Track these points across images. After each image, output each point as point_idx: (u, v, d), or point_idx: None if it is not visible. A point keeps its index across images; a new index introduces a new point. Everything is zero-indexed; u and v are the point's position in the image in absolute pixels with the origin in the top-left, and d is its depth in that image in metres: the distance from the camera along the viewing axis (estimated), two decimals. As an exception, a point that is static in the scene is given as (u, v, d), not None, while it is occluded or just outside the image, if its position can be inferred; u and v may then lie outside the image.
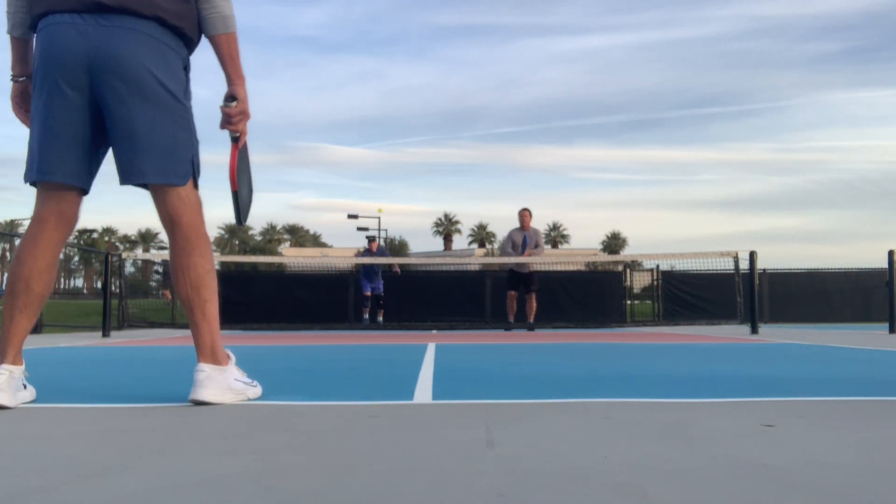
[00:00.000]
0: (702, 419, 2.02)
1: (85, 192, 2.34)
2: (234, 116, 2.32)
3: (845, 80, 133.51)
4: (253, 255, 59.26)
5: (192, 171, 2.32)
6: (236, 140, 2.37)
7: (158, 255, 18.77)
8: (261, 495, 1.21)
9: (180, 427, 1.93)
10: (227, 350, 2.44)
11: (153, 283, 21.45)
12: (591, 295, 16.23)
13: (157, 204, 2.32)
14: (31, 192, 2.34)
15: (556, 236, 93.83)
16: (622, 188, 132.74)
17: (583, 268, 22.29)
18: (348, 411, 2.24)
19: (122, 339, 8.67)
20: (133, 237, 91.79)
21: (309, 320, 13.42)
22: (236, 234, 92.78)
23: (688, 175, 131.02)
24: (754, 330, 9.62)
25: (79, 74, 2.16)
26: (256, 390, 2.47)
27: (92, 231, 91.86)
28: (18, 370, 2.27)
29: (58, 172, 2.24)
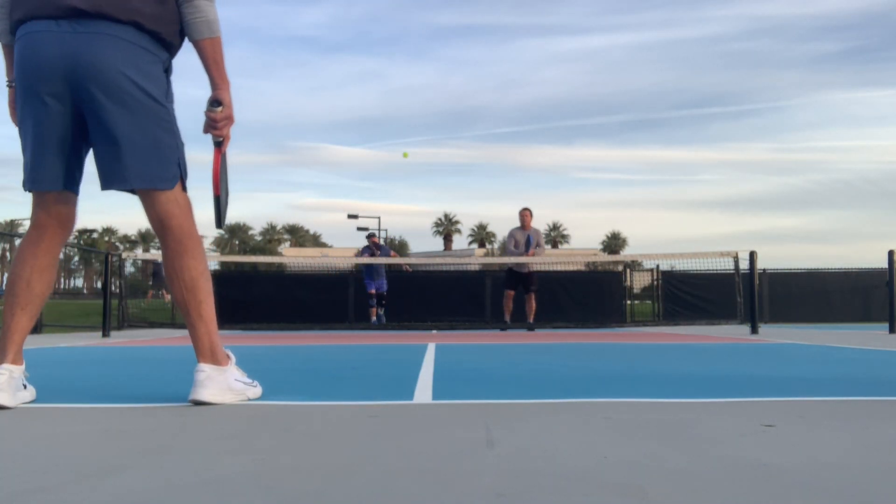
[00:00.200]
0: (702, 419, 2.02)
1: (76, 195, 2.36)
2: (219, 121, 2.31)
3: (845, 80, 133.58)
4: (253, 255, 59.28)
5: (180, 174, 2.32)
6: (219, 144, 2.35)
7: (158, 255, 18.80)
8: (261, 495, 1.21)
9: (180, 427, 1.93)
10: (228, 350, 2.44)
11: (152, 283, 21.45)
12: (591, 295, 16.23)
13: (146, 208, 2.32)
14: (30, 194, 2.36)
15: (556, 236, 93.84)
16: (622, 188, 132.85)
17: (583, 268, 22.29)
18: (348, 411, 2.24)
19: (122, 339, 8.67)
20: (133, 237, 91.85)
21: (309, 320, 13.42)
22: (236, 234, 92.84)
23: (688, 175, 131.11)
24: (754, 330, 9.62)
25: (57, 83, 2.16)
26: (256, 390, 2.47)
27: (92, 231, 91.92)
28: (18, 370, 2.27)
29: (46, 181, 2.26)
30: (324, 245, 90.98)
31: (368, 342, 7.20)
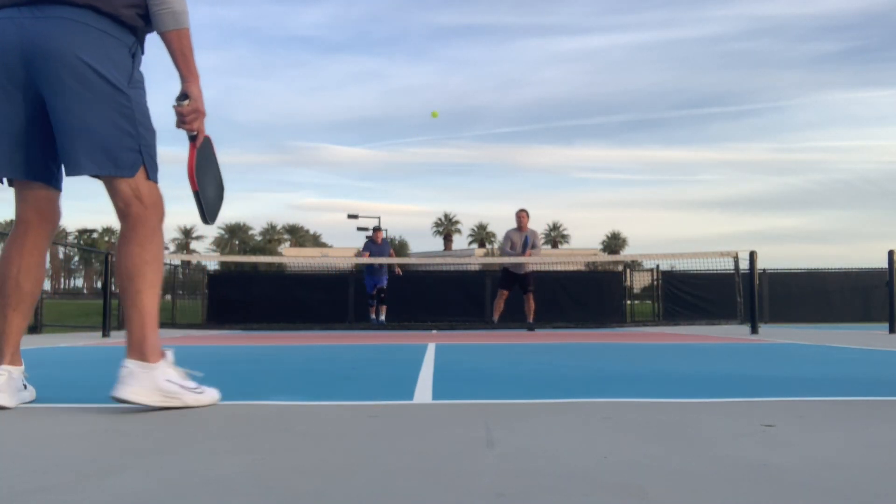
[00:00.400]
0: (702, 419, 2.02)
1: (56, 188, 2.32)
2: (186, 115, 2.27)
3: (845, 80, 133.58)
4: (253, 255, 59.28)
5: (143, 163, 2.24)
6: (194, 139, 2.32)
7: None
8: (261, 495, 1.21)
9: (180, 427, 1.93)
10: (166, 349, 2.27)
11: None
12: (591, 295, 16.24)
13: (109, 195, 2.26)
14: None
15: (556, 236, 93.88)
16: (622, 188, 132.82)
17: (583, 268, 22.30)
18: (348, 411, 2.24)
19: (122, 339, 8.66)
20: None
21: (309, 320, 13.42)
22: (236, 234, 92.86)
23: (688, 175, 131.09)
24: (754, 330, 9.62)
25: (17, 70, 2.13)
26: (202, 397, 2.27)
27: (92, 231, 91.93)
28: (18, 370, 2.27)
29: (5, 168, 2.22)
30: (324, 245, 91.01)
31: (368, 342, 7.20)
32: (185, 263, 18.57)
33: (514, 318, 11.99)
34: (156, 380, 2.17)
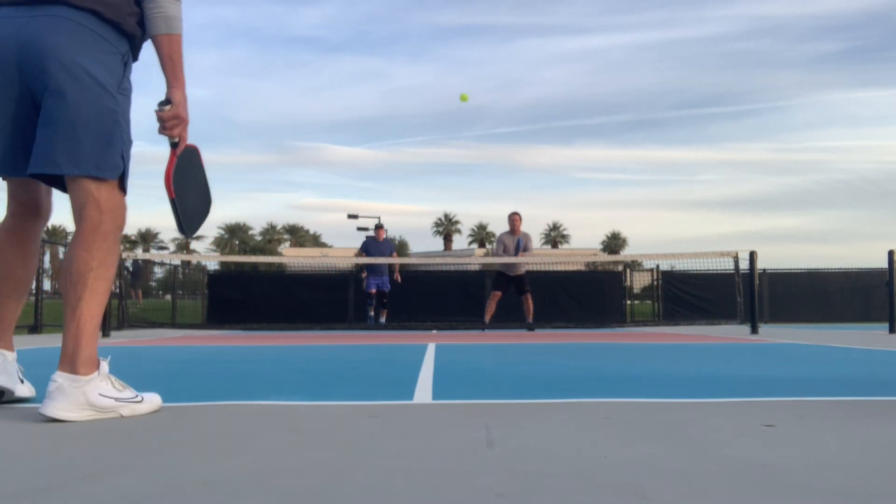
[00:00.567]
0: (702, 419, 2.03)
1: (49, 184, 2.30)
2: (167, 120, 2.24)
3: (845, 80, 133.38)
4: (253, 255, 59.29)
5: (124, 167, 2.22)
6: (175, 146, 2.29)
7: (158, 256, 18.79)
8: (261, 495, 1.21)
9: (180, 427, 1.93)
10: (102, 358, 2.15)
11: (153, 283, 21.48)
12: (591, 295, 16.24)
13: (71, 196, 2.20)
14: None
15: (556, 236, 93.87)
16: (622, 188, 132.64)
17: (583, 268, 22.30)
18: (348, 411, 2.24)
19: (122, 339, 8.67)
20: (133, 237, 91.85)
21: (309, 320, 13.41)
22: (236, 234, 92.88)
23: (688, 175, 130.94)
24: (754, 330, 9.62)
25: (10, 67, 2.13)
26: (140, 406, 2.16)
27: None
28: (11, 356, 2.29)
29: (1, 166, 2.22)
30: (324, 245, 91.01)
31: (368, 342, 7.20)
32: (185, 263, 18.57)
33: (513, 319, 11.98)
34: (87, 394, 2.05)
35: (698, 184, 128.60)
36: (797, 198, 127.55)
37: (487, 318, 11.31)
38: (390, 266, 13.04)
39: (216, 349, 6.05)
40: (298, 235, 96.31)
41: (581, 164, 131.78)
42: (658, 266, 17.37)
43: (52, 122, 2.13)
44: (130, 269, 13.89)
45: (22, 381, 2.35)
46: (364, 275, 13.30)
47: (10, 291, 2.28)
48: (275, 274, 20.78)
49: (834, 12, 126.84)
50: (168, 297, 16.80)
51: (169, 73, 2.25)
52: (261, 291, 15.81)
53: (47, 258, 11.58)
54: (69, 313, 2.09)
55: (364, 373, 3.62)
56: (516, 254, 11.09)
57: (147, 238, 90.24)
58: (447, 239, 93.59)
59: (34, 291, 11.06)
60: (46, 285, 11.71)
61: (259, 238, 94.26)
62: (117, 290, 11.70)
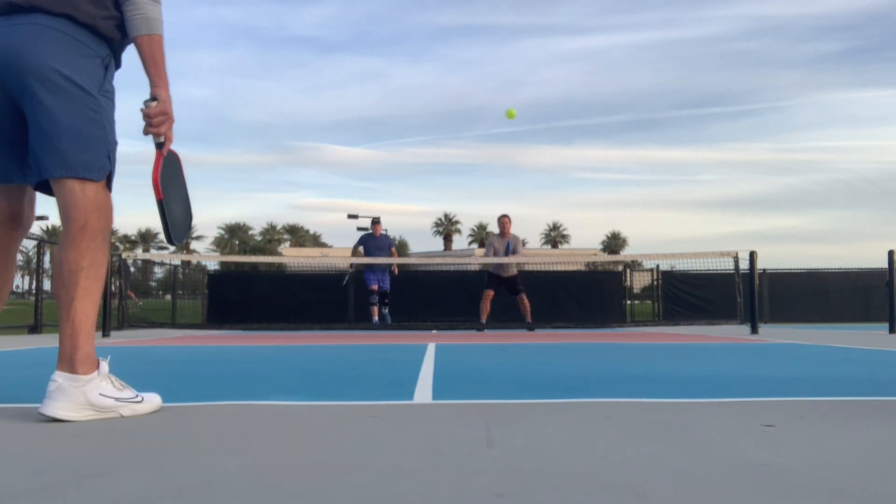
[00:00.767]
0: (702, 419, 2.03)
1: (33, 190, 2.33)
2: (153, 117, 2.24)
3: (845, 80, 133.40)
4: (253, 255, 59.30)
5: (110, 168, 2.24)
6: (160, 146, 2.29)
7: (158, 256, 18.79)
8: (261, 495, 1.21)
9: (180, 427, 1.93)
10: (101, 358, 2.16)
11: (153, 283, 21.47)
12: (591, 295, 16.23)
13: (57, 198, 2.21)
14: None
15: (555, 236, 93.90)
16: (622, 188, 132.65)
17: (583, 268, 22.30)
18: (348, 411, 2.24)
19: (122, 339, 8.67)
20: (133, 237, 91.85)
21: (309, 320, 13.39)
22: (236, 234, 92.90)
23: (688, 175, 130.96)
24: (754, 330, 9.62)
25: None
26: (141, 406, 2.17)
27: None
28: None
29: None
30: (324, 245, 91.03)
31: (368, 342, 7.20)
32: (185, 263, 18.57)
33: (513, 319, 11.98)
34: (87, 394, 2.06)
35: (698, 184, 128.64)
36: (797, 198, 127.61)
37: (483, 318, 11.32)
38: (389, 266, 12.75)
39: (216, 349, 6.05)
40: (298, 235, 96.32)
41: (581, 164, 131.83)
42: (658, 266, 17.37)
43: (37, 129, 2.15)
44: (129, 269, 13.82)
45: None
46: (350, 267, 12.91)
47: None
48: (275, 274, 20.78)
49: (834, 12, 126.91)
50: (168, 296, 16.79)
51: (152, 72, 2.27)
52: (261, 291, 15.81)
53: (47, 258, 11.55)
54: (64, 314, 2.11)
55: (364, 373, 3.62)
56: (506, 255, 11.13)
57: (147, 238, 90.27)
58: (447, 239, 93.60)
59: (34, 291, 11.06)
60: (46, 285, 11.70)
61: (259, 238, 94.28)
62: (117, 290, 11.70)
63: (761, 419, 2.00)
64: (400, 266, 14.25)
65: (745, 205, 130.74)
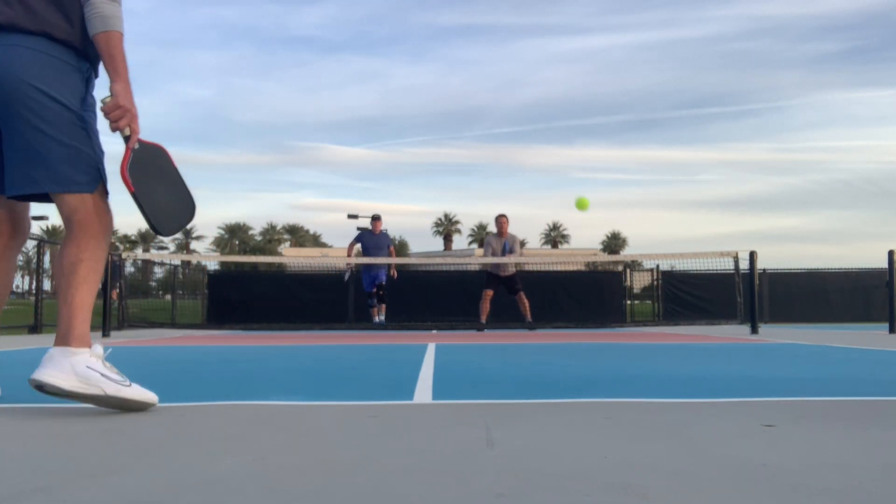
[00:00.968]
0: (702, 419, 2.03)
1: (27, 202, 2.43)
2: (109, 112, 2.29)
3: (845, 80, 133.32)
4: (253, 255, 59.30)
5: (101, 178, 2.34)
6: (127, 140, 2.33)
7: (158, 256, 18.80)
8: (261, 495, 1.21)
9: (180, 427, 1.93)
10: (99, 345, 2.26)
11: (153, 283, 21.48)
12: (591, 295, 16.24)
13: (58, 209, 2.33)
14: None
15: (556, 236, 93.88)
16: (622, 188, 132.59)
17: (583, 268, 22.29)
18: (348, 411, 2.24)
19: (122, 339, 8.67)
20: (133, 237, 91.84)
21: (309, 320, 13.39)
22: (236, 234, 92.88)
23: (688, 175, 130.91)
24: (754, 330, 9.62)
25: None
26: (128, 391, 2.20)
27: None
28: None
29: None
30: (324, 245, 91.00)
31: (368, 342, 7.20)
32: (185, 263, 18.58)
33: (513, 319, 11.98)
34: (75, 365, 2.14)
35: (698, 184, 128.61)
36: (797, 198, 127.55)
37: (483, 318, 11.32)
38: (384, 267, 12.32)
39: (216, 349, 6.05)
40: (298, 235, 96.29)
41: (581, 164, 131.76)
42: (658, 266, 17.37)
43: (25, 146, 2.24)
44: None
45: None
46: (348, 266, 12.51)
47: None
48: (275, 274, 20.78)
49: (834, 12, 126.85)
50: (168, 297, 16.79)
51: (109, 68, 2.32)
52: (261, 291, 15.81)
53: (47, 258, 11.56)
54: (62, 300, 2.25)
55: (364, 373, 3.62)
56: (503, 255, 11.13)
57: (147, 238, 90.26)
58: (447, 239, 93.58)
59: (34, 291, 11.06)
60: (46, 285, 11.70)
61: (259, 238, 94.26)
62: (118, 291, 11.69)
63: (761, 419, 2.00)
64: (400, 266, 14.12)
65: (745, 205, 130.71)
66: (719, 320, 12.66)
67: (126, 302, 12.24)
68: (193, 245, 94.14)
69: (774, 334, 9.14)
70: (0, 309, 2.45)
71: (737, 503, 1.16)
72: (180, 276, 17.29)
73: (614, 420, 2.01)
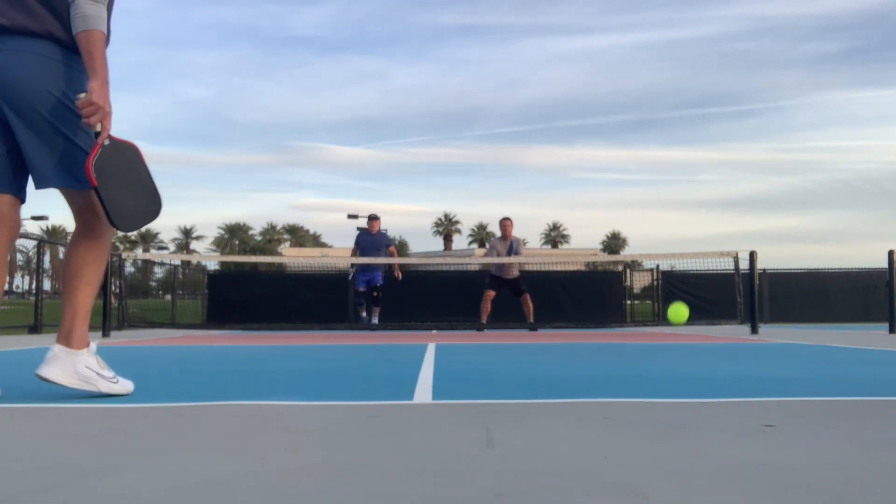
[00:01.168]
0: (702, 419, 2.03)
1: (21, 199, 2.53)
2: (82, 109, 2.35)
3: (845, 80, 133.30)
4: (253, 255, 59.31)
5: None
6: (97, 136, 2.39)
7: (158, 256, 18.79)
8: (261, 495, 1.21)
9: (180, 427, 1.93)
10: (90, 340, 2.53)
11: (153, 283, 21.47)
12: (591, 295, 16.23)
13: (66, 201, 2.52)
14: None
15: (556, 236, 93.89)
16: (622, 188, 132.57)
17: (583, 268, 22.29)
18: (348, 411, 2.24)
19: (122, 339, 8.67)
20: (133, 237, 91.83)
21: (309, 320, 13.38)
22: (236, 234, 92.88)
23: (688, 175, 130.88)
24: (754, 330, 9.62)
25: None
26: (116, 386, 2.52)
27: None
28: None
29: None
30: (324, 245, 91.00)
31: (368, 342, 7.20)
32: (185, 263, 18.57)
33: (513, 319, 11.98)
34: (76, 365, 2.45)
35: (698, 184, 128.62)
36: (797, 198, 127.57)
37: (484, 318, 11.32)
38: (385, 268, 12.11)
39: (216, 349, 6.05)
40: (298, 235, 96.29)
41: (581, 164, 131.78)
42: (658, 266, 17.37)
43: (37, 147, 2.39)
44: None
45: None
46: (351, 268, 12.14)
47: None
48: (275, 274, 20.77)
49: (834, 12, 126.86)
50: (168, 297, 16.78)
51: (88, 66, 2.40)
52: (261, 291, 15.80)
53: (47, 258, 11.56)
54: (67, 299, 2.49)
55: (364, 373, 3.62)
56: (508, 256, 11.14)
57: (147, 238, 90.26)
58: (447, 239, 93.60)
59: (34, 291, 11.05)
60: (46, 285, 11.71)
61: (259, 238, 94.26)
62: (117, 290, 11.69)
63: (761, 419, 2.00)
64: (400, 266, 14.04)
65: (745, 205, 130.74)
66: (719, 320, 12.65)
67: (126, 302, 12.23)
68: (193, 245, 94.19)
69: (774, 334, 9.14)
70: None
71: (737, 503, 1.16)
72: (180, 276, 17.28)
73: (614, 420, 2.01)
